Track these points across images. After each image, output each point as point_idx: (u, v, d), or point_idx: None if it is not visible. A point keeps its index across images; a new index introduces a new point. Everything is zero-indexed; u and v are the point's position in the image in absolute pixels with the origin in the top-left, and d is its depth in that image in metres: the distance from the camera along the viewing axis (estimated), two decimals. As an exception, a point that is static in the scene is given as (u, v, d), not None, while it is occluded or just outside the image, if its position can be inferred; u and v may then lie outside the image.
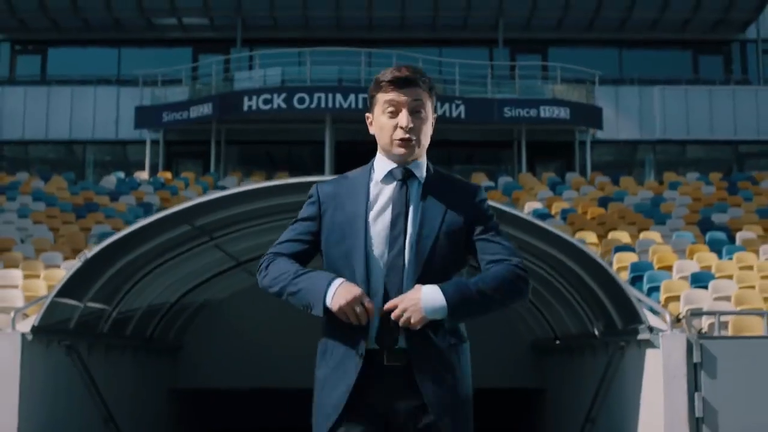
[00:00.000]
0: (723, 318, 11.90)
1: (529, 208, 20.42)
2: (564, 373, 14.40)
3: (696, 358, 10.07)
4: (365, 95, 23.01)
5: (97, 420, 12.20)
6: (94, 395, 11.99)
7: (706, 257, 15.99)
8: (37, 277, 14.95)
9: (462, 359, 3.06)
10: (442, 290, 2.91)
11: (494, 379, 15.27)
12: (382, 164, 3.14)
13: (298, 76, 24.79)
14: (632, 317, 10.51)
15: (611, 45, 27.34)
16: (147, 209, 20.51)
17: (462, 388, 3.04)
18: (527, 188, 22.52)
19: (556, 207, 20.50)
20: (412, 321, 2.87)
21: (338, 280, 2.92)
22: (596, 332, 12.03)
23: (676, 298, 13.45)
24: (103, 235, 17.58)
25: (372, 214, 3.05)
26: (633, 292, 10.64)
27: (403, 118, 3.04)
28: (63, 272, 14.99)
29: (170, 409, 15.84)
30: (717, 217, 19.60)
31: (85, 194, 21.89)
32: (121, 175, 24.28)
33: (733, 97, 25.76)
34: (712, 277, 14.49)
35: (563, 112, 24.05)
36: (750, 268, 15.19)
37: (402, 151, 3.07)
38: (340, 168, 23.57)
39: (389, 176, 3.11)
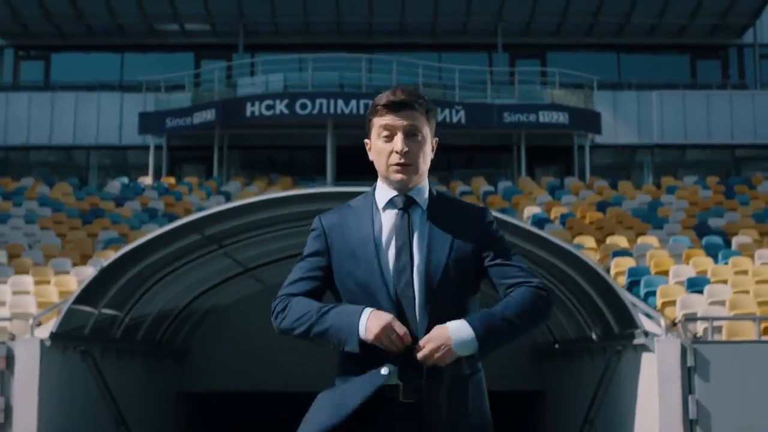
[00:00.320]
0: (718, 322, 12.41)
1: (528, 212, 20.86)
2: (563, 376, 14.90)
3: (690, 362, 10.57)
4: (366, 101, 23.59)
5: (110, 422, 12.70)
6: (107, 398, 12.48)
7: (702, 262, 16.40)
8: (48, 283, 15.40)
9: (477, 390, 3.00)
10: (470, 324, 2.87)
11: (495, 382, 15.69)
12: (382, 192, 3.09)
13: (300, 82, 25.24)
14: (628, 322, 11.00)
15: (610, 50, 27.81)
16: (152, 214, 20.95)
17: (478, 420, 2.97)
18: (526, 193, 22.95)
19: (555, 212, 20.92)
20: (444, 360, 2.83)
21: (367, 311, 2.86)
22: (594, 337, 12.52)
23: (672, 303, 13.90)
24: (110, 241, 18.09)
25: (379, 243, 2.98)
26: (629, 298, 11.14)
27: (398, 142, 3.00)
28: (73, 278, 15.49)
29: (178, 411, 16.32)
30: (713, 222, 19.99)
31: (90, 200, 22.32)
32: (125, 180, 24.72)
33: (730, 102, 26.25)
34: (708, 282, 14.92)
35: (562, 117, 24.52)
36: (745, 272, 15.60)
37: (399, 176, 3.02)
38: (341, 172, 24.09)
39: (390, 204, 3.05)
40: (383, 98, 3.04)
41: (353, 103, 23.70)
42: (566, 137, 25.26)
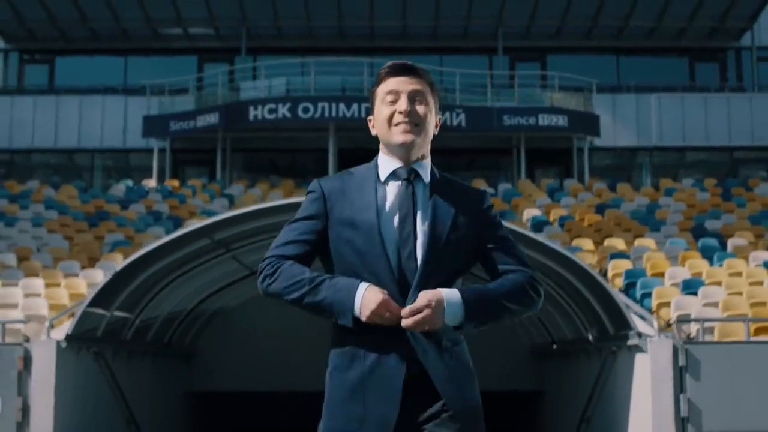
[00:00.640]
0: (711, 323, 12.93)
1: (527, 215, 21.36)
2: (561, 376, 15.43)
3: (681, 362, 11.10)
4: (368, 104, 24.15)
5: (121, 421, 13.23)
6: (118, 398, 13.01)
7: (698, 264, 16.88)
8: (58, 285, 15.90)
9: (464, 361, 3.00)
10: (461, 294, 2.87)
11: (495, 382, 16.29)
12: (385, 164, 3.05)
13: (302, 86, 25.75)
14: (622, 324, 11.54)
15: (609, 52, 28.34)
16: (157, 217, 21.45)
17: (475, 390, 3.01)
18: (526, 195, 23.45)
19: (554, 214, 21.41)
20: (432, 320, 2.81)
21: (362, 287, 2.84)
22: (590, 338, 13.05)
23: (667, 304, 14.40)
24: (116, 244, 18.62)
25: (382, 212, 2.96)
26: (623, 300, 11.67)
27: (403, 102, 2.97)
28: (82, 281, 16.01)
29: (185, 411, 16.86)
30: (710, 224, 20.46)
31: (95, 202, 22.81)
32: (130, 183, 25.23)
33: (728, 104, 26.78)
34: (702, 284, 15.40)
35: (561, 120, 25.04)
36: (739, 274, 16.08)
37: (403, 138, 2.97)
38: (343, 175, 24.57)
39: (393, 176, 3.02)
40: (387, 65, 3.04)
41: (355, 106, 24.22)
42: (565, 140, 25.79)
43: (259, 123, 24.50)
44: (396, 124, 2.97)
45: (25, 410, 11.24)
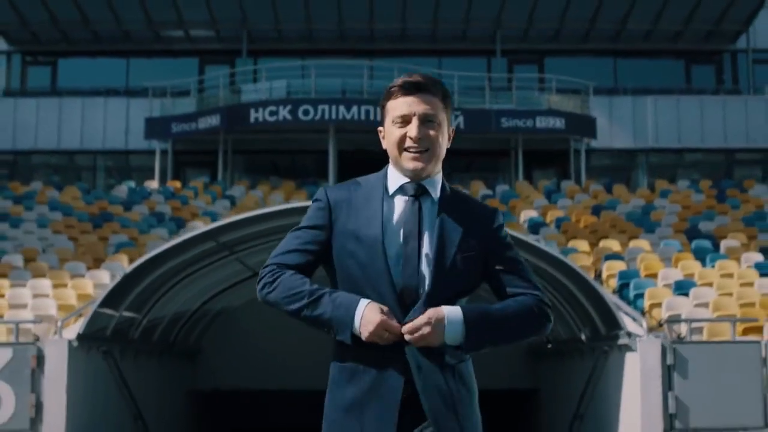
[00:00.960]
0: (700, 323, 13.51)
1: (525, 216, 21.90)
2: (555, 374, 16.02)
3: (669, 361, 11.69)
4: (367, 107, 24.84)
5: (128, 418, 13.80)
6: (125, 396, 13.58)
7: (690, 265, 17.41)
8: (65, 286, 16.45)
9: (466, 378, 3.00)
10: (463, 312, 2.85)
11: (492, 381, 16.85)
12: (394, 178, 3.02)
13: (303, 88, 26.32)
14: (613, 324, 12.12)
15: (606, 55, 28.93)
16: (160, 219, 21.99)
17: (472, 409, 3.00)
18: (523, 196, 24.00)
19: (551, 215, 21.94)
20: (432, 337, 2.81)
21: (362, 305, 2.83)
22: (583, 338, 13.63)
23: (659, 305, 14.97)
24: (121, 245, 19.17)
25: (388, 227, 2.94)
26: (613, 301, 12.25)
27: (414, 127, 2.93)
28: (89, 282, 16.58)
29: (189, 408, 17.44)
30: (704, 225, 20.94)
31: (99, 204, 23.35)
32: (132, 184, 25.78)
33: (724, 106, 27.37)
34: (694, 285, 15.93)
35: (558, 123, 25.61)
36: (730, 275, 16.61)
37: (413, 165, 2.95)
38: (343, 175, 25.16)
39: (401, 190, 2.99)
40: (398, 80, 2.98)
41: (355, 108, 24.79)
42: (563, 142, 26.35)
43: (260, 125, 25.06)
44: (407, 149, 2.94)
45: (38, 407, 11.80)
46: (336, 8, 27.28)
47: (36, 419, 11.79)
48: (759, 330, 13.58)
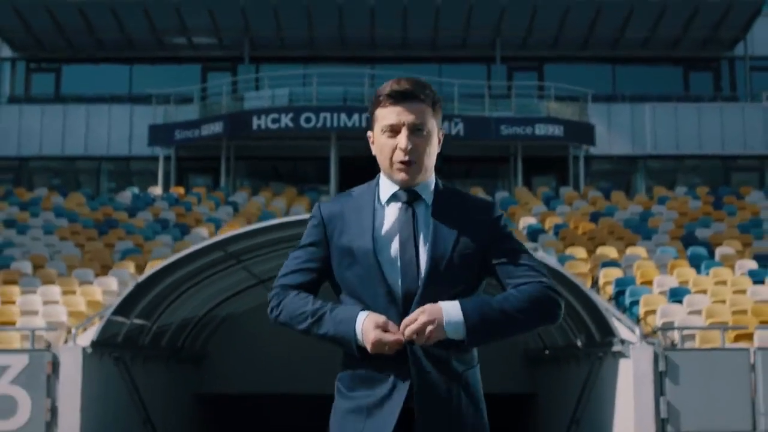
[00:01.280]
0: (693, 330, 14.11)
1: (524, 223, 22.46)
2: (552, 380, 16.64)
3: (661, 367, 12.30)
4: (368, 114, 25.80)
5: (138, 422, 14.40)
6: (135, 400, 14.18)
7: (685, 272, 17.92)
8: (74, 293, 17.02)
9: (472, 390, 3.02)
10: (461, 306, 2.85)
11: (491, 385, 17.44)
12: (386, 186, 3.05)
13: (305, 96, 26.93)
14: (607, 332, 12.72)
15: (605, 62, 29.56)
16: (164, 225, 22.56)
17: (480, 418, 3.02)
18: (522, 203, 24.56)
19: (550, 222, 22.48)
20: (433, 337, 2.82)
21: (360, 318, 2.88)
22: (579, 344, 14.24)
23: (654, 312, 15.55)
24: (127, 252, 19.77)
25: (380, 238, 2.96)
26: (607, 308, 12.85)
27: (403, 138, 2.94)
28: (98, 288, 17.18)
29: (196, 412, 18.05)
30: (700, 232, 21.42)
31: (103, 210, 23.92)
32: (136, 190, 26.38)
33: (721, 114, 28.00)
34: (688, 292, 16.49)
35: (557, 130, 26.23)
36: (724, 282, 17.15)
37: (403, 176, 2.97)
38: (344, 182, 25.79)
39: (394, 198, 3.02)
40: (387, 88, 2.99)
41: (356, 116, 25.41)
42: (562, 148, 26.95)
43: (262, 132, 25.67)
44: (397, 162, 2.97)
45: (54, 411, 12.40)
46: (337, 15, 27.88)
47: (51, 423, 12.39)
48: (750, 337, 14.18)
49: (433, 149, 3.03)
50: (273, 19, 28.08)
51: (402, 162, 2.95)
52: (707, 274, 17.89)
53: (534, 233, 21.39)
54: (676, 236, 21.21)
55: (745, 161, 28.17)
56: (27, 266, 18.68)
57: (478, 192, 25.57)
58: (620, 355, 12.62)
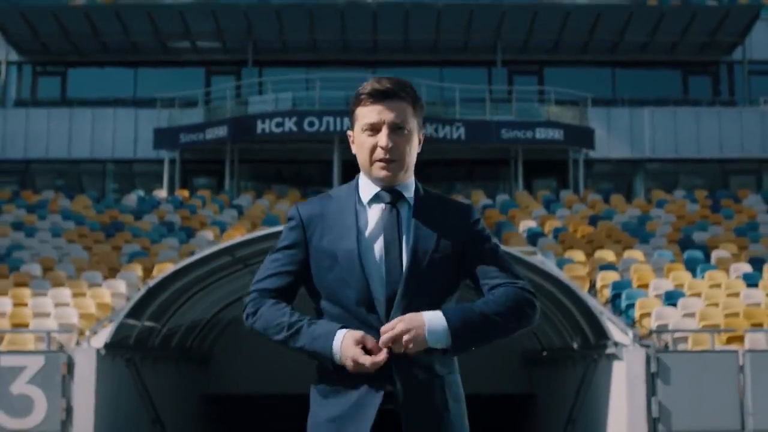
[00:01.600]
0: (685, 333, 14.73)
1: (524, 226, 23.01)
2: (550, 380, 17.27)
3: (653, 369, 12.93)
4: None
5: (148, 421, 15.03)
6: (145, 400, 14.81)
7: (681, 276, 18.45)
8: (84, 295, 17.63)
9: (454, 394, 3.01)
10: (445, 315, 2.85)
11: (490, 386, 18.13)
12: (366, 186, 3.04)
13: (308, 100, 27.57)
14: (601, 334, 13.34)
15: (604, 66, 30.19)
16: (170, 228, 23.15)
17: (460, 421, 3.01)
18: (523, 206, 25.13)
19: (549, 225, 23.02)
20: (413, 345, 2.82)
21: (338, 338, 2.87)
22: (575, 346, 14.87)
23: (649, 315, 16.13)
24: (134, 255, 20.39)
25: (363, 240, 2.95)
26: (601, 311, 13.49)
27: (383, 137, 2.94)
28: (106, 291, 17.80)
29: (202, 412, 18.69)
30: (697, 236, 21.93)
31: (109, 213, 24.50)
32: (141, 193, 27.00)
33: (719, 118, 28.62)
34: (683, 295, 17.04)
35: (557, 134, 26.84)
36: (718, 286, 17.68)
37: (383, 173, 2.97)
38: (346, 185, 26.39)
39: (376, 199, 3.02)
40: (367, 87, 2.99)
41: (358, 120, 25.98)
42: (562, 152, 27.56)
43: (266, 136, 26.27)
44: (377, 160, 2.97)
45: (69, 410, 13.04)
46: (339, 20, 28.49)
47: (66, 422, 13.03)
48: (741, 339, 14.78)
49: (414, 148, 3.03)
50: (276, 24, 28.69)
51: (383, 160, 2.96)
52: (702, 277, 18.36)
53: (534, 237, 21.93)
54: (673, 239, 21.64)
55: (743, 164, 28.75)
56: (36, 269, 19.29)
57: (480, 195, 26.20)
58: (614, 357, 13.24)
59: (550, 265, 15.01)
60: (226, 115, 27.22)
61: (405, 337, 2.81)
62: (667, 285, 17.89)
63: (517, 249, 15.74)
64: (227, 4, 29.00)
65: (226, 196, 26.44)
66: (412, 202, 3.02)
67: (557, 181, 28.38)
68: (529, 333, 17.49)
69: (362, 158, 3.00)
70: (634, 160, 28.61)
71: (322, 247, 2.97)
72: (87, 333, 13.48)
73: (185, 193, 26.61)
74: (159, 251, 20.58)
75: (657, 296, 17.26)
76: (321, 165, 27.60)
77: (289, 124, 26.01)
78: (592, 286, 18.47)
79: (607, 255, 20.18)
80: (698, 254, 20.30)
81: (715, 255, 20.13)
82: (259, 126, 26.18)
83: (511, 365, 19.22)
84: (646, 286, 17.90)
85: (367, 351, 2.86)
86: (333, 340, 2.87)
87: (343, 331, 2.88)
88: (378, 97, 2.95)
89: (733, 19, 28.62)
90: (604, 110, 28.40)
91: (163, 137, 27.38)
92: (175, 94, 27.90)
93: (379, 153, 2.95)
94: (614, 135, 28.36)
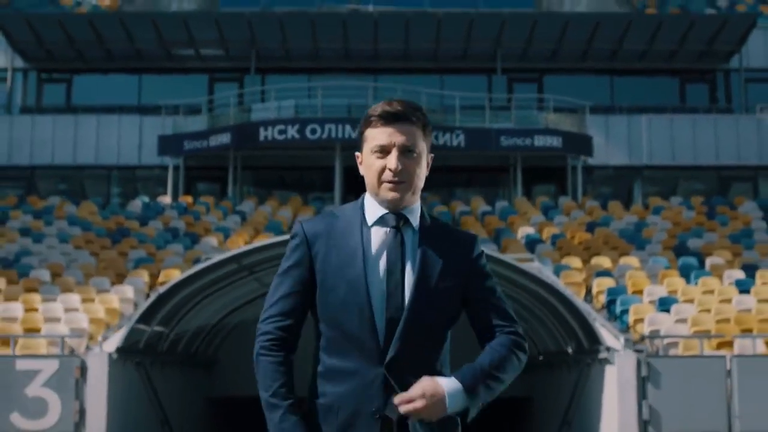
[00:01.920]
0: (676, 338, 15.38)
1: (522, 233, 23.62)
2: (546, 384, 17.93)
3: (644, 373, 13.60)
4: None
5: (156, 424, 15.70)
6: (154, 403, 15.48)
7: (675, 282, 19.01)
8: (92, 301, 18.25)
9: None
10: (461, 382, 2.89)
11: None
12: (372, 208, 3.04)
13: (310, 107, 28.25)
14: (594, 340, 14.00)
15: (603, 73, 30.87)
16: (174, 234, 23.78)
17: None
18: (521, 213, 25.73)
19: (547, 232, 23.61)
20: (434, 416, 2.85)
21: None
22: (569, 351, 15.53)
23: (642, 321, 16.74)
24: (140, 261, 21.04)
25: (369, 262, 2.96)
26: (594, 317, 14.15)
27: (393, 159, 2.96)
28: (114, 297, 18.45)
29: (207, 415, 19.36)
30: (692, 242, 22.49)
31: (115, 219, 25.12)
32: (146, 199, 27.66)
33: (716, 125, 29.29)
34: (676, 301, 17.65)
35: (556, 141, 27.50)
36: (711, 292, 18.27)
37: (391, 195, 2.98)
38: (348, 190, 27.10)
39: (381, 221, 3.02)
40: (378, 108, 3.01)
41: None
42: (560, 159, 28.22)
43: (269, 143, 26.93)
44: (386, 181, 2.98)
45: (82, 413, 13.71)
46: (341, 28, 29.15)
47: (79, 423, 13.70)
48: (731, 345, 15.41)
49: (423, 171, 3.04)
50: (279, 32, 29.35)
51: (391, 182, 2.97)
52: (696, 283, 18.94)
53: (532, 243, 22.52)
54: (668, 246, 22.17)
55: (740, 172, 29.40)
56: (45, 274, 19.92)
57: (479, 201, 26.84)
58: (606, 361, 13.90)
59: (546, 272, 15.69)
60: (229, 123, 27.89)
61: (419, 402, 2.83)
62: (660, 291, 18.48)
63: (515, 256, 16.41)
64: (230, 13, 29.76)
65: (230, 202, 27.07)
66: (416, 227, 3.04)
67: (556, 188, 29.04)
68: (526, 337, 18.13)
69: (370, 179, 3.01)
70: (632, 167, 29.25)
71: (326, 267, 2.98)
72: (99, 338, 14.13)
73: (189, 199, 27.24)
74: (164, 257, 21.20)
75: (651, 302, 17.84)
76: (323, 171, 28.26)
77: (292, 132, 26.67)
78: (588, 292, 19.07)
79: (604, 261, 20.75)
80: (693, 261, 20.85)
81: (709, 261, 20.70)
82: (262, 133, 26.83)
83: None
84: (640, 292, 18.46)
85: None
86: None
87: None
88: (389, 119, 2.98)
89: (730, 28, 29.28)
90: (603, 117, 29.07)
91: (168, 144, 28.04)
92: (179, 102, 28.57)
93: (388, 175, 2.96)
94: (612, 142, 29.02)
